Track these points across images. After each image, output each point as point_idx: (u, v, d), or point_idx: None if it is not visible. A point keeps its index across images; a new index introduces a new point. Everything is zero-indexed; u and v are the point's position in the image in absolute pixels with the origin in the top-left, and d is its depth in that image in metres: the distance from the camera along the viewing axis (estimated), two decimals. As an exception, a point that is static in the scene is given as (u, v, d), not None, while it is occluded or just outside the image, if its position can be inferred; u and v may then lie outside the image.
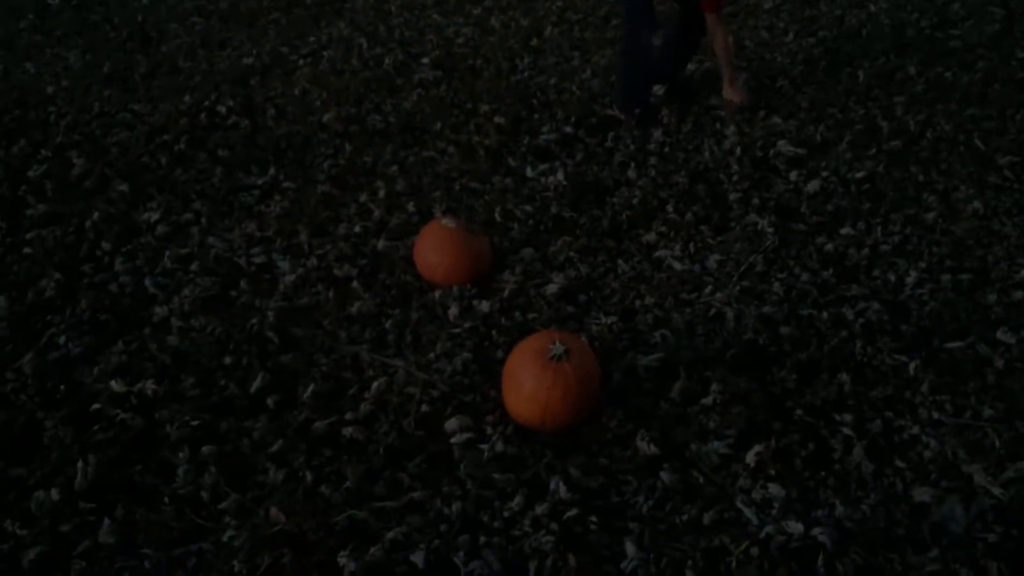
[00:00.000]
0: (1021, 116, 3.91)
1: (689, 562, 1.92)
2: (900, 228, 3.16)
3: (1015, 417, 2.30)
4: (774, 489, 2.10)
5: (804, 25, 5.07)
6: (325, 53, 4.78)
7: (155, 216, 3.24)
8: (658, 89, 4.17)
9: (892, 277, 2.89)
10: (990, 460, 2.18)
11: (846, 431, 2.27)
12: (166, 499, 2.07)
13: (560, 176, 3.52)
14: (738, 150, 3.68)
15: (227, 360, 2.51)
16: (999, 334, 2.62)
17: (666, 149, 3.72)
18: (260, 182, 3.47)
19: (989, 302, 2.77)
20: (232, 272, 2.93)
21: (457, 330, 2.65)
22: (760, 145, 3.72)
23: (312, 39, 4.98)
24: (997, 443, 2.22)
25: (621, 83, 4.05)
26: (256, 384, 2.41)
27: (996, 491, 2.09)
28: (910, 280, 2.87)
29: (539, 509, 2.04)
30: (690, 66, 4.41)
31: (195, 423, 2.27)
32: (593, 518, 2.02)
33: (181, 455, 2.17)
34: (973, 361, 2.52)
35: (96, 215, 3.25)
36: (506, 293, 2.80)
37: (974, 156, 3.62)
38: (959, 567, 1.89)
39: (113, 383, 2.41)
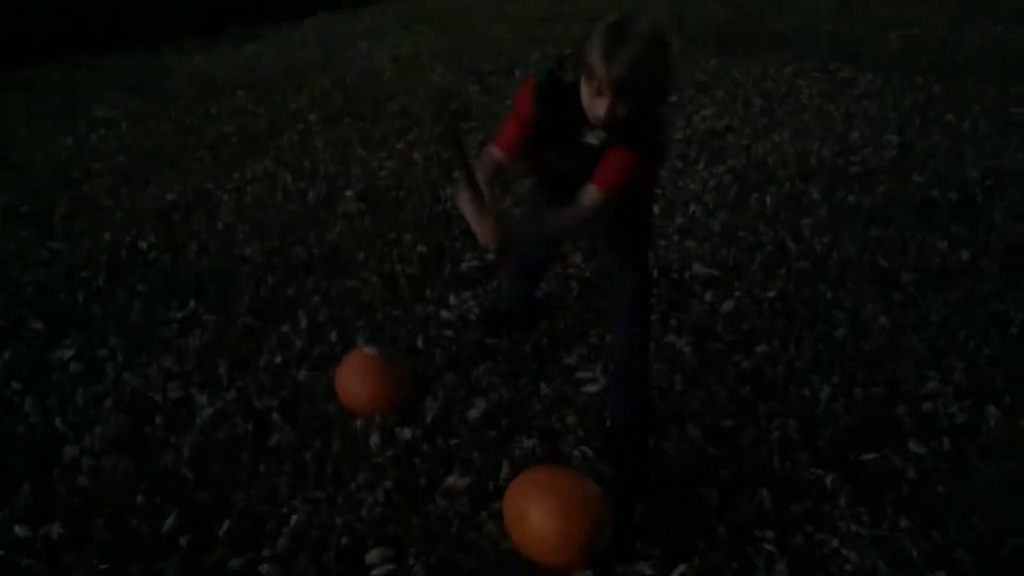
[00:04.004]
0: (920, 236, 4.11)
1: None
2: (812, 345, 3.25)
3: (930, 527, 2.35)
4: (699, 610, 2.09)
5: (714, 154, 5.30)
6: (249, 188, 4.83)
7: (69, 354, 3.17)
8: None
9: (807, 392, 2.96)
10: (909, 571, 2.20)
11: (769, 547, 2.28)
12: (68, 650, 1.96)
13: (481, 304, 3.56)
14: (655, 272, 3.78)
15: (139, 499, 2.43)
16: (911, 445, 2.68)
17: (587, 274, 3.80)
18: (179, 316, 3.43)
19: (900, 414, 2.84)
20: (147, 408, 2.86)
21: (379, 459, 2.62)
22: (676, 268, 3.83)
23: (237, 175, 5.03)
24: (914, 553, 2.25)
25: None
26: (169, 523, 2.33)
27: (917, 602, 2.10)
28: (824, 395, 2.94)
29: (462, 642, 1.99)
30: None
31: (103, 567, 2.18)
32: (518, 648, 1.98)
33: (87, 602, 2.08)
34: (888, 473, 2.57)
35: (7, 354, 3.18)
36: (428, 419, 2.79)
37: (878, 275, 3.78)
38: None
39: (17, 528, 2.32)
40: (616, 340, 2.77)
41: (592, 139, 2.27)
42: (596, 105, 2.12)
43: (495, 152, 2.38)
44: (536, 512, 2.16)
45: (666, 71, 2.19)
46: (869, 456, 2.64)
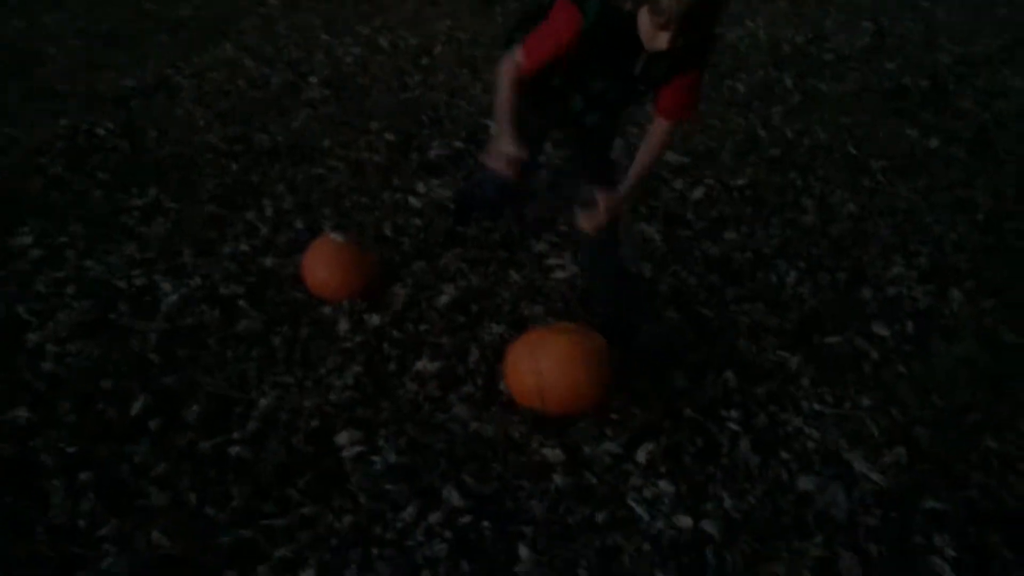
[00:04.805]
0: (891, 123, 4.10)
1: (583, 562, 1.93)
2: (780, 231, 3.26)
3: (890, 405, 2.40)
4: (664, 486, 2.13)
5: (687, 41, 5.20)
6: (210, 74, 4.68)
7: (28, 240, 3.10)
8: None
9: (774, 277, 2.98)
10: (869, 447, 2.26)
11: (733, 426, 2.32)
12: (40, 529, 1.97)
13: (449, 191, 3.52)
14: (624, 160, 3.74)
15: (106, 384, 2.41)
16: (874, 328, 2.73)
17: (556, 160, 3.75)
18: (141, 203, 3.35)
19: (864, 298, 2.88)
20: (111, 295, 2.82)
21: (348, 344, 2.61)
22: (646, 156, 3.79)
23: (197, 60, 4.87)
24: (875, 431, 2.31)
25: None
26: (137, 407, 2.32)
27: (875, 476, 2.16)
28: (791, 280, 2.97)
29: (432, 518, 2.02)
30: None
31: (71, 450, 2.17)
32: (487, 524, 2.02)
33: (56, 483, 2.07)
34: (851, 354, 2.62)
35: (-36, 242, 3.11)
36: (397, 306, 2.78)
37: (848, 162, 3.78)
38: (842, 551, 1.95)
39: (-18, 413, 2.31)
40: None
41: (639, 68, 2.18)
42: (658, 38, 1.99)
43: (520, 69, 2.24)
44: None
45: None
46: (833, 339, 2.68)
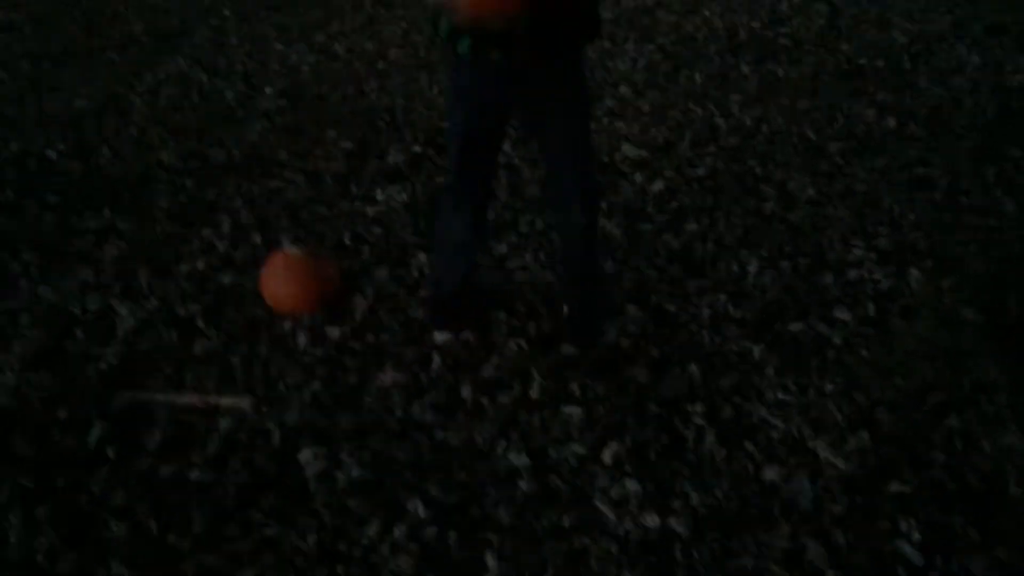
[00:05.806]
0: (847, 105, 4.11)
1: (550, 567, 1.92)
2: (741, 220, 3.26)
3: (853, 390, 2.40)
4: (631, 485, 2.12)
5: (643, 33, 5.20)
6: (162, 90, 4.63)
7: (-20, 271, 3.05)
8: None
9: (735, 267, 2.98)
10: (833, 434, 2.26)
11: (698, 421, 2.31)
12: (-3, 568, 1.94)
13: (408, 197, 3.49)
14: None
15: (62, 414, 2.37)
16: (836, 312, 2.73)
17: (515, 161, 3.74)
18: (94, 226, 3.30)
19: (826, 283, 2.88)
20: (66, 322, 2.77)
21: (308, 359, 2.58)
22: (605, 150, 3.78)
23: (149, 77, 4.80)
24: (838, 416, 2.31)
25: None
26: (95, 435, 2.29)
27: (839, 463, 2.17)
28: (752, 269, 2.96)
29: (397, 532, 2.00)
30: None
31: (27, 483, 2.14)
32: (453, 534, 2.00)
33: (12, 519, 2.04)
34: (813, 341, 2.62)
35: (-84, 275, 3.05)
36: (358, 316, 2.76)
37: (806, 146, 3.78)
38: (808, 540, 1.95)
39: (-64, 451, 2.26)
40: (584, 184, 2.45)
41: None
42: None
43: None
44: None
45: None
46: (796, 326, 2.68)
